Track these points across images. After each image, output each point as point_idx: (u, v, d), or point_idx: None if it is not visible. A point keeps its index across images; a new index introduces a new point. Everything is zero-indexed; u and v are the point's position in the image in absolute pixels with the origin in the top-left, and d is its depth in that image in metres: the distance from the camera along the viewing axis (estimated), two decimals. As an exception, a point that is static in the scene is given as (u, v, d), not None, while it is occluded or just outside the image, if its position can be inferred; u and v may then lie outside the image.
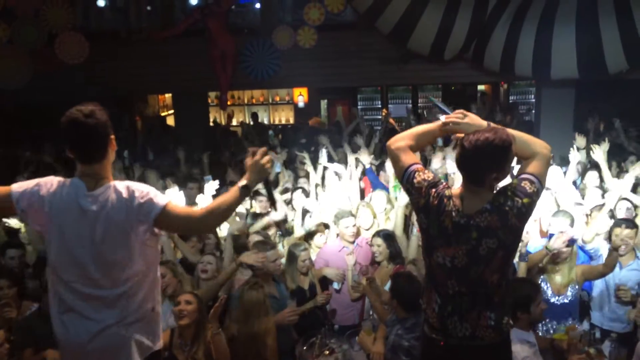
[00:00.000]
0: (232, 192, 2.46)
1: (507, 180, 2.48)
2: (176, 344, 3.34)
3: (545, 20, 7.47)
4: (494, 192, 2.44)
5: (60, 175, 2.43)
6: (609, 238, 4.35)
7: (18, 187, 2.37)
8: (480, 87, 14.13)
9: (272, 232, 4.89)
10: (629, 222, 4.27)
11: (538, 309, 3.35)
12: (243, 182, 2.48)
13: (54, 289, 2.41)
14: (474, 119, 2.51)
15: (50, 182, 2.37)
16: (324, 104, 13.79)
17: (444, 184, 2.53)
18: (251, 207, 5.56)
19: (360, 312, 4.54)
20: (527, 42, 7.54)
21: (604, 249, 4.29)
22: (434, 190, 2.47)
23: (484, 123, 2.50)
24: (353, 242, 4.62)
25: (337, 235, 4.72)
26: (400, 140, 2.60)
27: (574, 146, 5.66)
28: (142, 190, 2.36)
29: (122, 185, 2.35)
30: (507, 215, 2.37)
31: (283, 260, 4.30)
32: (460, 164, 2.46)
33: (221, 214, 2.46)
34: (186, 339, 3.34)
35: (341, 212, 4.65)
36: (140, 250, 2.38)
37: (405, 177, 2.55)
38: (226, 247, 4.33)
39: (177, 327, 3.34)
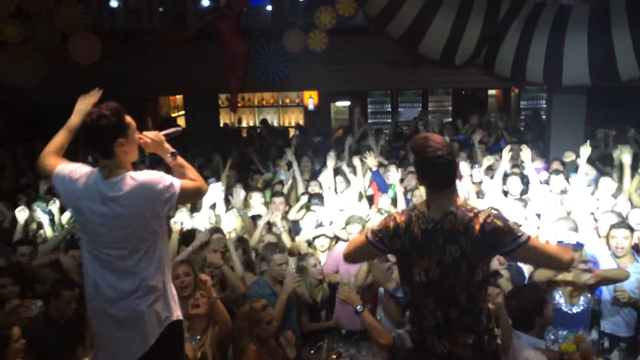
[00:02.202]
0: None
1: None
2: (185, 339, 3.39)
3: (557, 27, 7.46)
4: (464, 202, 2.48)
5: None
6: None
7: (60, 169, 2.72)
8: (491, 92, 14.09)
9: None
10: (625, 224, 4.29)
11: (548, 312, 3.33)
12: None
13: (85, 258, 2.72)
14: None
15: (82, 170, 2.66)
16: (333, 106, 13.79)
17: (399, 211, 2.62)
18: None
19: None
20: (539, 49, 7.53)
21: (604, 254, 4.28)
22: (395, 214, 2.56)
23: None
24: None
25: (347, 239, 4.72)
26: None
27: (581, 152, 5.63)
28: (160, 177, 2.60)
29: (137, 174, 2.59)
30: (470, 222, 2.36)
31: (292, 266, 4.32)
32: (425, 173, 2.48)
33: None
34: (196, 332, 3.48)
35: (350, 218, 4.65)
36: (155, 226, 2.64)
37: (378, 248, 2.59)
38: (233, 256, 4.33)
39: (188, 321, 3.44)
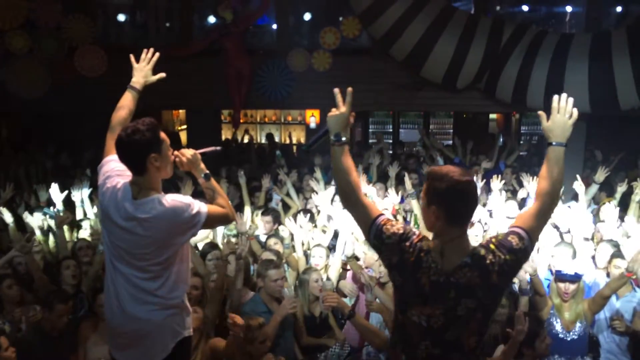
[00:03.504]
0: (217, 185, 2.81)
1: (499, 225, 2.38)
2: None
3: (558, 54, 7.52)
4: (476, 245, 2.26)
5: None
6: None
7: (106, 162, 2.74)
8: (492, 116, 14.16)
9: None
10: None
11: (543, 345, 3.33)
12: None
13: (107, 270, 2.72)
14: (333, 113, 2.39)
15: (115, 180, 2.64)
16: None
17: (417, 234, 2.28)
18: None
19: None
20: (540, 76, 7.58)
21: (602, 283, 4.28)
22: (407, 244, 2.23)
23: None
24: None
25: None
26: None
27: (578, 179, 5.66)
28: (187, 204, 2.57)
29: (166, 199, 2.56)
30: (488, 271, 2.17)
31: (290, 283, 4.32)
32: (448, 201, 2.20)
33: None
34: None
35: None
36: (176, 250, 2.63)
37: (371, 233, 2.31)
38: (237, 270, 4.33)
39: None
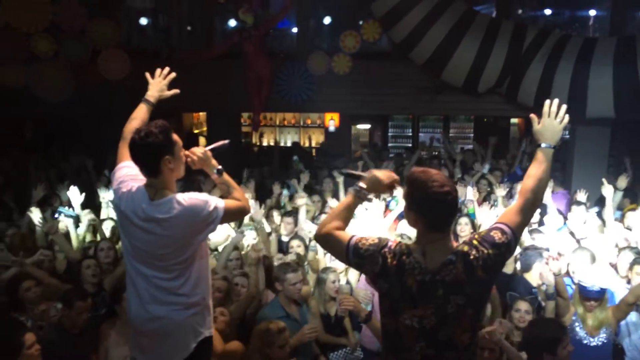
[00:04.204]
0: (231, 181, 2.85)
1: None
2: None
3: (582, 58, 7.42)
4: (458, 242, 2.31)
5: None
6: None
7: (120, 167, 2.78)
8: (514, 120, 14.01)
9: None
10: None
11: (565, 352, 3.26)
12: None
13: (127, 270, 2.76)
14: (378, 174, 2.49)
15: (129, 184, 2.68)
16: (354, 129, 13.85)
17: (394, 241, 2.36)
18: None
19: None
20: (563, 80, 7.49)
21: (621, 290, 4.21)
22: (385, 250, 2.31)
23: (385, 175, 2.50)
24: None
25: None
26: (326, 224, 2.48)
27: (605, 184, 5.58)
28: (204, 201, 2.61)
29: (183, 198, 2.60)
30: (472, 267, 2.22)
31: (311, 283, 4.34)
32: (427, 209, 2.26)
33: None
34: None
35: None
36: (196, 248, 2.67)
37: (349, 254, 2.37)
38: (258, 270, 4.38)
39: None
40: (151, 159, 2.58)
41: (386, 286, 2.31)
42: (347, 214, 2.53)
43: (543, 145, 2.48)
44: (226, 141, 2.95)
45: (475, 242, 2.28)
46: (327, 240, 2.46)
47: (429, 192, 2.22)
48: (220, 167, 2.78)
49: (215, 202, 2.63)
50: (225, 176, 2.79)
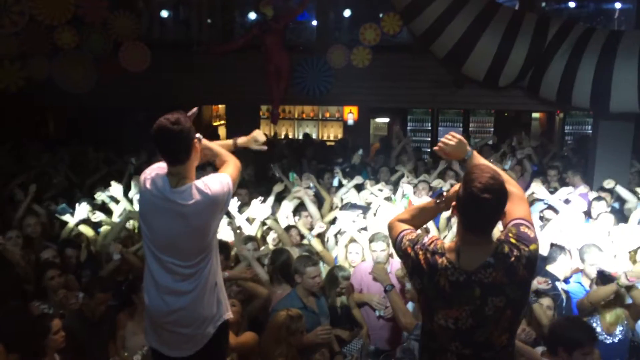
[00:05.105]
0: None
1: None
2: None
3: (606, 52, 7.29)
4: (494, 242, 2.22)
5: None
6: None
7: (144, 174, 2.77)
8: (535, 115, 13.83)
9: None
10: None
11: (582, 358, 3.17)
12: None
13: (147, 260, 2.79)
14: (462, 143, 2.48)
15: (150, 176, 2.72)
16: (373, 122, 13.80)
17: (430, 237, 2.33)
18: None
19: (396, 335, 4.50)
20: (587, 74, 7.36)
21: None
22: (417, 246, 2.29)
23: (467, 149, 2.47)
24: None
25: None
26: (399, 215, 2.57)
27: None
28: (220, 183, 2.69)
29: (201, 184, 2.66)
30: (514, 267, 2.15)
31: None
32: (465, 210, 2.20)
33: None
34: None
35: (374, 235, 4.64)
36: (214, 229, 2.75)
37: (396, 246, 2.44)
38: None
39: None
40: (184, 143, 2.62)
41: (420, 282, 2.31)
42: (418, 213, 2.55)
43: (466, 157, 2.50)
44: (195, 109, 2.90)
45: (513, 240, 2.19)
46: (390, 228, 2.51)
47: (468, 192, 2.15)
48: (199, 135, 2.75)
49: (226, 179, 2.72)
50: (204, 141, 2.81)
